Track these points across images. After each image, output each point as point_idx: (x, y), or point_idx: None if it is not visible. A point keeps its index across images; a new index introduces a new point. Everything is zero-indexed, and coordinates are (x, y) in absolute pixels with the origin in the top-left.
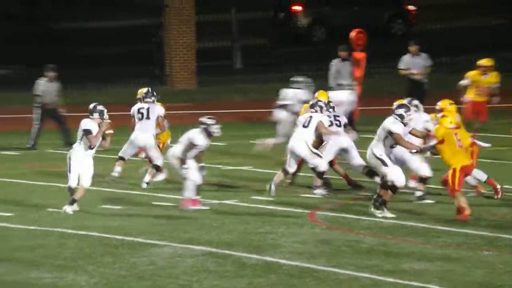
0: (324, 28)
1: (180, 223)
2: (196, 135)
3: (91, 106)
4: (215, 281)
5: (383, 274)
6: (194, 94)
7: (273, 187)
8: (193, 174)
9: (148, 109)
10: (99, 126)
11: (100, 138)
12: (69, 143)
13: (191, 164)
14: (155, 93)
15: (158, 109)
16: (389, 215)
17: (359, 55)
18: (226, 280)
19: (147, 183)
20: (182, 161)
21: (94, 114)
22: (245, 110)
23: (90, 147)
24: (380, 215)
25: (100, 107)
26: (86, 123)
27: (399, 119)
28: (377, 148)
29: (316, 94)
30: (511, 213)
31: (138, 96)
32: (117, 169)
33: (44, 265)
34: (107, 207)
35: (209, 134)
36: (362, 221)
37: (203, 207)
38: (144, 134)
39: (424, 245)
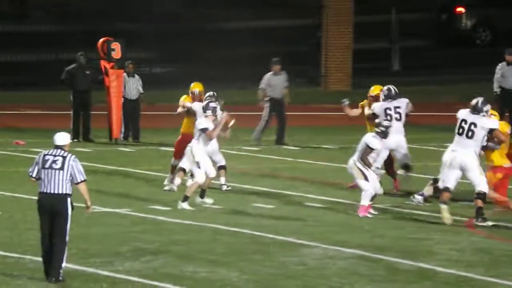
0: (489, 30)
1: (331, 225)
2: (371, 139)
3: (212, 104)
4: (366, 285)
5: None
6: (348, 95)
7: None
8: (368, 185)
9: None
10: (213, 122)
11: (219, 131)
12: (282, 143)
13: (369, 174)
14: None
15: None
16: (490, 223)
17: None
18: (377, 285)
19: (225, 185)
20: (361, 166)
21: (207, 111)
22: None
23: (208, 142)
24: (481, 224)
25: (212, 104)
26: (201, 122)
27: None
28: (476, 156)
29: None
30: None
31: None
32: (177, 181)
33: (198, 260)
34: (260, 206)
35: (384, 136)
36: None
37: (375, 212)
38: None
39: None
